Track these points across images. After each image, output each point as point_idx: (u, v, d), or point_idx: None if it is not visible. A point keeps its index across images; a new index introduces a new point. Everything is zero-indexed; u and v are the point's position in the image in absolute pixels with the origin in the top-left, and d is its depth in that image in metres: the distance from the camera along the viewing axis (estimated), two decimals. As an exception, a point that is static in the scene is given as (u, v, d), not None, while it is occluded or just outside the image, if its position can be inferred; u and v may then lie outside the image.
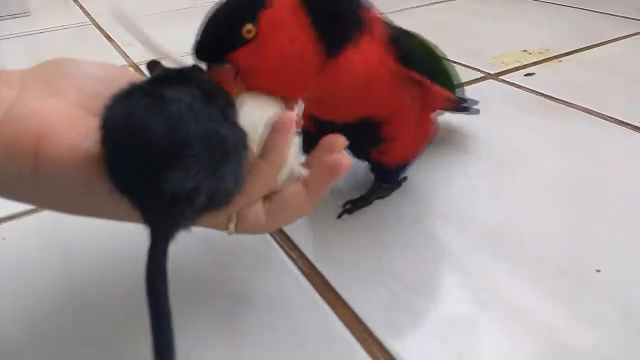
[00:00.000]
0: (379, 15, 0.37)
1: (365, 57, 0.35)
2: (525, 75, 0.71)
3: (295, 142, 0.30)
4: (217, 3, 0.31)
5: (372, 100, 0.38)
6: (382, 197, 0.46)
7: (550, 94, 0.64)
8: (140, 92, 0.24)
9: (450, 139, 0.56)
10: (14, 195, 0.27)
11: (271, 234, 0.43)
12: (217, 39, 0.30)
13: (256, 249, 0.41)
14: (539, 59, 0.76)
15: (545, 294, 0.36)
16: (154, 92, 0.25)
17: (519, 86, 0.68)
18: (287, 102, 0.33)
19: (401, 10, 1.06)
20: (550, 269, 0.38)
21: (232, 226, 0.29)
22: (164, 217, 0.24)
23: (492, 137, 0.56)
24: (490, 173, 0.50)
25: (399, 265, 0.39)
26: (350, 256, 0.40)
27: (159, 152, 0.23)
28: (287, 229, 0.43)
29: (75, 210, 0.28)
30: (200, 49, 0.30)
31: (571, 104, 0.62)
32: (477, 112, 0.55)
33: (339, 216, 0.44)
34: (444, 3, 1.10)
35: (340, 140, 0.30)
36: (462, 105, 0.51)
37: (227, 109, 0.27)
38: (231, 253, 0.41)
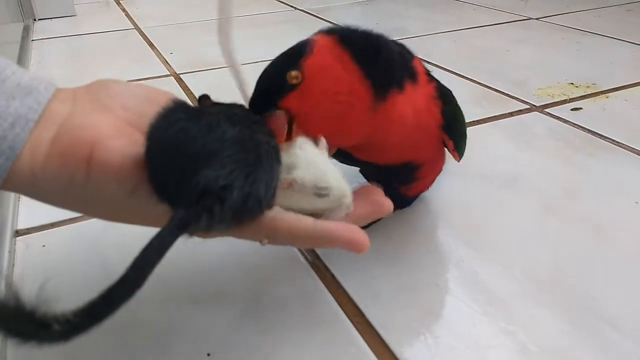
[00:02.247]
0: (421, 64, 0.38)
1: (412, 102, 0.36)
2: (572, 109, 0.69)
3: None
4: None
5: (419, 146, 0.39)
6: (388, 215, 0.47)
7: (598, 131, 0.63)
8: (183, 108, 0.27)
9: (493, 170, 0.55)
10: (62, 203, 0.28)
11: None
12: (266, 89, 0.32)
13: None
14: (585, 93, 0.74)
15: (596, 350, 0.34)
16: (195, 109, 0.27)
17: (565, 120, 0.66)
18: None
19: (443, 32, 1.05)
20: (603, 323, 0.36)
21: (265, 240, 0.29)
22: (189, 209, 0.24)
23: (539, 174, 0.54)
24: (538, 212, 0.48)
25: (438, 306, 0.38)
26: (396, 298, 0.39)
27: (195, 152, 0.24)
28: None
29: (117, 216, 0.29)
30: (254, 102, 0.32)
31: (620, 143, 0.60)
32: None
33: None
34: (486, 27, 1.09)
35: (379, 191, 0.32)
36: None
37: (266, 130, 0.28)
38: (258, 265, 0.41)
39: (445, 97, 0.39)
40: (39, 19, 1.23)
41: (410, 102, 0.35)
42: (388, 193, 0.31)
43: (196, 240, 0.44)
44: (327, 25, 0.36)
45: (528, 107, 0.70)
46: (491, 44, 0.98)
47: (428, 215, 0.48)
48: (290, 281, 0.40)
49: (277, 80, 0.32)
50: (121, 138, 0.27)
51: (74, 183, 0.26)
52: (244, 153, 0.25)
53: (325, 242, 0.28)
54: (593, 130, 0.63)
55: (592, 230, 0.45)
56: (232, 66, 0.34)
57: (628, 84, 0.78)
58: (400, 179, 0.42)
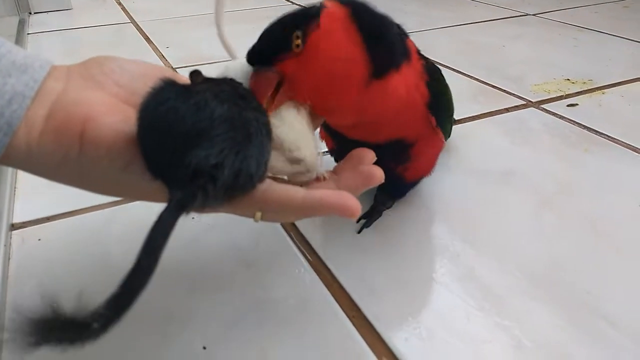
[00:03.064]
0: (413, 44, 0.39)
1: (405, 81, 0.36)
2: (568, 105, 0.69)
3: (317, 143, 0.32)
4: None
5: (408, 123, 0.39)
6: (389, 207, 0.48)
7: (594, 127, 0.63)
8: (173, 87, 0.27)
9: (488, 166, 0.55)
10: (57, 177, 0.29)
11: (294, 242, 0.43)
12: (267, 44, 0.32)
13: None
14: (582, 89, 0.74)
15: (591, 346, 0.35)
16: (185, 87, 0.27)
17: (561, 117, 0.66)
18: (316, 118, 0.34)
19: (441, 28, 1.05)
20: (598, 318, 0.36)
21: (258, 214, 0.29)
22: (185, 190, 0.24)
23: (535, 170, 0.54)
24: (534, 208, 0.48)
25: (433, 300, 0.38)
26: (392, 294, 0.39)
27: (185, 131, 0.25)
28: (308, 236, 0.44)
29: (113, 190, 0.30)
30: (251, 53, 0.32)
31: (615, 139, 0.60)
32: None
33: (359, 231, 0.45)
34: (482, 23, 1.09)
35: (370, 154, 0.32)
36: None
37: (255, 104, 0.28)
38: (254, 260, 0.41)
39: (432, 73, 0.39)
40: (34, 13, 1.22)
41: (404, 81, 0.36)
42: (386, 177, 0.30)
43: (196, 233, 0.44)
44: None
45: (524, 103, 0.71)
46: (488, 40, 0.98)
47: (424, 210, 0.48)
48: (287, 275, 0.40)
49: (279, 40, 0.32)
50: (113, 115, 0.27)
51: (68, 158, 0.27)
52: (233, 131, 0.25)
53: (317, 211, 0.28)
54: (589, 126, 0.63)
55: (588, 226, 0.46)
56: (224, 42, 0.34)
57: (624, 80, 0.78)
58: (394, 158, 0.42)
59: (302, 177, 0.31)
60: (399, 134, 0.40)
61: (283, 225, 0.46)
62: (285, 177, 0.32)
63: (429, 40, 0.98)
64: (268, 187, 0.28)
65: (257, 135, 0.26)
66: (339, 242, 0.44)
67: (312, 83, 0.32)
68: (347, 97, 0.34)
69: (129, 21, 1.16)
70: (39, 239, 0.45)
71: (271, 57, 0.31)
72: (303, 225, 0.46)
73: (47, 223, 0.47)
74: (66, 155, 0.27)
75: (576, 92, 0.73)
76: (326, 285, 0.39)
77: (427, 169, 0.47)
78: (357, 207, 0.28)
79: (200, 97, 0.26)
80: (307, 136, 0.31)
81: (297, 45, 0.31)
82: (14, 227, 0.46)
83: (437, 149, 0.46)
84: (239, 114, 0.26)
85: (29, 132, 0.27)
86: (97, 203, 0.49)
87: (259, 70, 0.32)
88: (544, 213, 0.48)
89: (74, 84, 0.29)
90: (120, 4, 1.33)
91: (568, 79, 0.78)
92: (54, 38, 1.05)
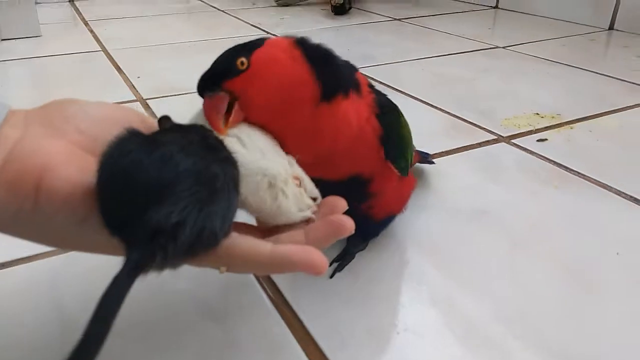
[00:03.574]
0: (364, 78, 0.40)
1: (356, 111, 0.37)
2: (538, 140, 0.70)
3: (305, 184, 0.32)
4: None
5: (362, 157, 0.39)
6: (362, 250, 0.47)
7: (564, 164, 0.64)
8: (137, 137, 0.26)
9: (461, 204, 0.55)
10: (10, 231, 0.28)
11: (263, 289, 0.42)
12: (213, 72, 0.33)
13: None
14: (551, 124, 0.76)
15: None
16: (150, 137, 0.26)
17: (531, 152, 0.67)
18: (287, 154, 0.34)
19: (411, 60, 1.06)
20: (569, 365, 0.36)
21: (223, 268, 0.28)
22: (143, 249, 0.23)
23: (506, 207, 0.54)
24: (506, 247, 0.48)
25: (408, 352, 0.37)
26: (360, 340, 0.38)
27: (147, 186, 0.23)
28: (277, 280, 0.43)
29: (69, 244, 0.29)
30: (200, 83, 0.33)
31: (585, 175, 0.61)
32: (433, 162, 0.61)
33: (332, 276, 0.44)
34: (453, 55, 1.11)
35: (342, 203, 0.31)
36: (428, 160, 0.60)
37: (224, 155, 0.28)
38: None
39: (383, 107, 0.39)
40: (2, 39, 1.19)
41: (355, 110, 0.37)
42: (354, 218, 0.30)
43: (159, 281, 0.42)
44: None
45: (495, 137, 0.71)
46: (459, 72, 0.99)
47: (398, 253, 0.47)
48: (256, 327, 0.39)
49: (224, 65, 0.33)
50: (71, 165, 0.26)
51: (22, 211, 0.26)
52: (198, 186, 0.24)
53: (282, 268, 0.28)
54: (558, 162, 0.64)
55: (560, 269, 0.45)
56: None
57: (592, 114, 0.79)
58: (356, 197, 0.41)
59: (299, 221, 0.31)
60: (355, 170, 0.39)
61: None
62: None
63: (401, 72, 0.99)
64: (232, 241, 0.27)
65: (224, 190, 0.25)
66: (312, 288, 0.43)
67: (261, 98, 0.32)
68: (298, 116, 0.34)
69: (100, 49, 1.14)
70: (-7, 287, 0.42)
71: (218, 81, 0.32)
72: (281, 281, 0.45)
73: (2, 270, 0.44)
74: (20, 209, 0.26)
75: (545, 127, 0.74)
76: (296, 338, 0.38)
77: (396, 207, 0.47)
78: (323, 264, 0.27)
79: (165, 150, 0.25)
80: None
81: (242, 63, 0.32)
82: (-34, 273, 0.44)
83: (404, 186, 0.46)
84: (205, 167, 0.25)
85: None
86: (53, 249, 0.46)
87: (208, 95, 0.32)
88: (516, 254, 0.47)
89: (31, 132, 0.27)
90: (91, 31, 1.31)
91: (537, 113, 0.79)
92: (22, 66, 1.02)
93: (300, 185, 0.30)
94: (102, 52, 1.12)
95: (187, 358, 0.36)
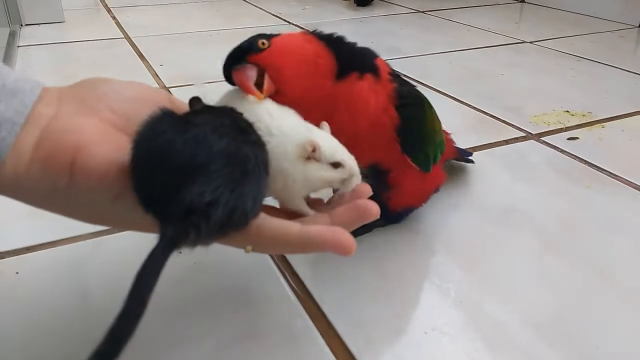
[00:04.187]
0: (386, 65, 0.40)
1: (374, 93, 0.38)
2: (569, 139, 0.68)
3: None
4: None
5: (379, 145, 0.39)
6: (379, 226, 0.47)
7: (595, 163, 0.62)
8: (170, 117, 0.26)
9: (491, 202, 0.53)
10: (45, 206, 0.28)
11: (286, 280, 0.41)
12: (235, 53, 0.34)
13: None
14: (581, 122, 0.73)
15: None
16: (183, 118, 0.26)
17: (562, 150, 0.65)
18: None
19: (438, 53, 1.04)
20: (605, 372, 0.35)
21: (249, 247, 0.28)
22: (177, 227, 0.24)
23: (537, 207, 0.53)
24: (536, 248, 0.47)
25: (435, 353, 0.36)
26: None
27: (181, 166, 0.24)
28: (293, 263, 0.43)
29: (102, 220, 0.30)
30: (226, 60, 0.34)
31: (617, 175, 0.59)
32: (472, 161, 0.60)
33: None
34: (480, 49, 1.09)
35: (367, 188, 0.32)
36: (466, 158, 0.58)
37: (255, 138, 0.28)
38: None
39: (404, 98, 0.39)
40: (26, 25, 1.20)
41: (371, 92, 0.38)
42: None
43: (183, 272, 0.42)
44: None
45: (524, 134, 0.69)
46: (485, 67, 0.97)
47: (425, 250, 0.46)
48: (279, 319, 0.38)
49: (248, 44, 0.34)
50: (105, 144, 0.26)
51: (57, 188, 0.26)
52: (230, 167, 0.25)
53: (311, 247, 0.28)
54: (590, 161, 0.62)
55: (592, 271, 0.44)
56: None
57: (624, 113, 0.77)
58: (376, 187, 0.41)
59: (350, 184, 0.31)
60: (374, 157, 0.40)
61: (275, 261, 0.44)
62: (338, 189, 0.31)
63: (427, 65, 0.97)
64: (262, 222, 0.27)
65: (255, 172, 0.26)
66: (336, 282, 0.42)
67: (287, 69, 0.34)
68: (321, 88, 0.35)
69: (122, 36, 1.14)
70: (17, 272, 0.42)
71: (244, 56, 0.34)
72: (296, 261, 0.44)
73: (27, 254, 0.44)
74: (55, 185, 0.26)
75: (576, 125, 0.72)
76: (321, 334, 0.37)
77: (416, 201, 0.47)
78: (352, 244, 0.27)
79: (198, 130, 0.25)
80: (337, 142, 0.31)
81: (263, 44, 0.34)
82: (-10, 258, 0.44)
83: (427, 181, 0.46)
84: (237, 149, 0.25)
85: (18, 160, 0.25)
86: (79, 233, 0.46)
87: (236, 68, 0.33)
88: (548, 256, 0.46)
89: (65, 109, 0.27)
90: (114, 17, 1.31)
91: (567, 111, 0.77)
92: (45, 52, 1.02)
93: (314, 151, 0.29)
94: (124, 39, 1.12)
95: (210, 347, 0.35)
